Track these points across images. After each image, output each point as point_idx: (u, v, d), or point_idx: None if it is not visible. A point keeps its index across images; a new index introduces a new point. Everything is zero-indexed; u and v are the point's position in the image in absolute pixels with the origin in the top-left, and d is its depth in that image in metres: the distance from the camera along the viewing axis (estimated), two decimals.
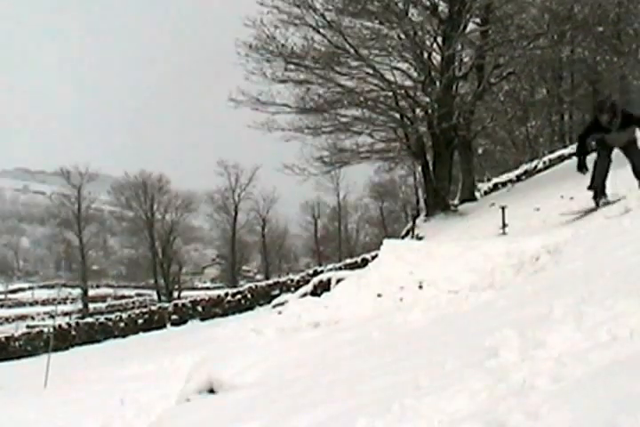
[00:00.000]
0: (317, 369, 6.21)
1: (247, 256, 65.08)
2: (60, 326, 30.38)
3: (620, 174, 9.83)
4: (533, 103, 36.91)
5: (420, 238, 19.36)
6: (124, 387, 8.22)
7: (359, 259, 27.66)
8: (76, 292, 56.64)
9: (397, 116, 23.72)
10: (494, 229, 12.17)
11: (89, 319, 33.98)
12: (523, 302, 5.92)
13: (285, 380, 6.14)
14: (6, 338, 29.94)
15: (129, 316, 31.44)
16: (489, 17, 22.88)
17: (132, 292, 70.09)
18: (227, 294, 30.86)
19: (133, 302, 59.93)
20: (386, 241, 11.52)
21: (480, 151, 36.88)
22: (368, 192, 60.72)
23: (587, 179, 9.89)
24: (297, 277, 30.03)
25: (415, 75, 23.02)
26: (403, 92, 22.94)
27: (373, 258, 14.40)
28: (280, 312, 11.24)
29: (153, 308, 33.04)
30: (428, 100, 22.56)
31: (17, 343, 29.53)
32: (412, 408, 3.60)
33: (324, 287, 15.00)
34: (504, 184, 30.02)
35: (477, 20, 23.51)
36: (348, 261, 30.11)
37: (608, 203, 9.32)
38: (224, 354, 7.87)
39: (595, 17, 25.26)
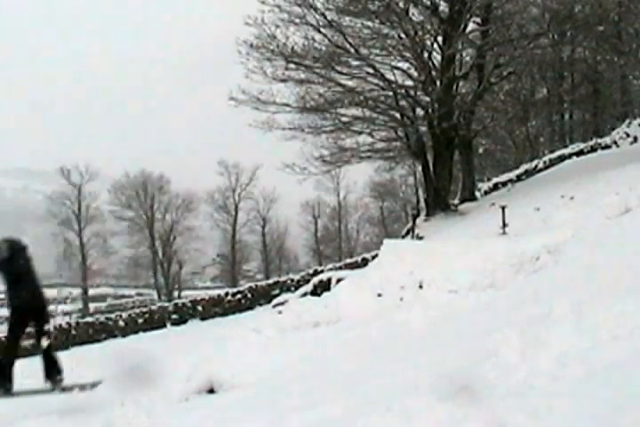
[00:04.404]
0: (317, 369, 6.21)
1: (247, 256, 64.86)
2: (60, 325, 30.33)
3: None
4: (534, 103, 36.81)
5: (420, 238, 19.34)
6: (123, 386, 8.20)
7: (359, 258, 27.60)
8: (77, 291, 56.58)
9: (398, 115, 23.68)
10: (494, 229, 12.16)
11: (89, 319, 33.84)
12: (523, 302, 5.92)
13: (285, 380, 6.14)
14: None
15: (129, 315, 31.34)
16: (489, 16, 22.86)
17: (133, 291, 69.95)
18: (227, 294, 30.79)
19: (133, 302, 59.84)
20: (386, 241, 11.53)
21: (480, 151, 36.77)
22: (368, 192, 60.49)
23: (586, 180, 9.81)
24: (297, 277, 29.95)
25: (415, 74, 22.98)
26: (403, 91, 22.91)
27: (373, 258, 14.40)
28: (280, 312, 11.24)
29: (153, 307, 32.96)
30: (428, 99, 22.53)
31: None
32: (412, 408, 3.60)
33: (324, 287, 15.00)
34: (504, 184, 29.95)
35: (478, 19, 23.47)
36: (349, 260, 30.05)
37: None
38: (224, 354, 7.87)
39: (595, 16, 25.20)
